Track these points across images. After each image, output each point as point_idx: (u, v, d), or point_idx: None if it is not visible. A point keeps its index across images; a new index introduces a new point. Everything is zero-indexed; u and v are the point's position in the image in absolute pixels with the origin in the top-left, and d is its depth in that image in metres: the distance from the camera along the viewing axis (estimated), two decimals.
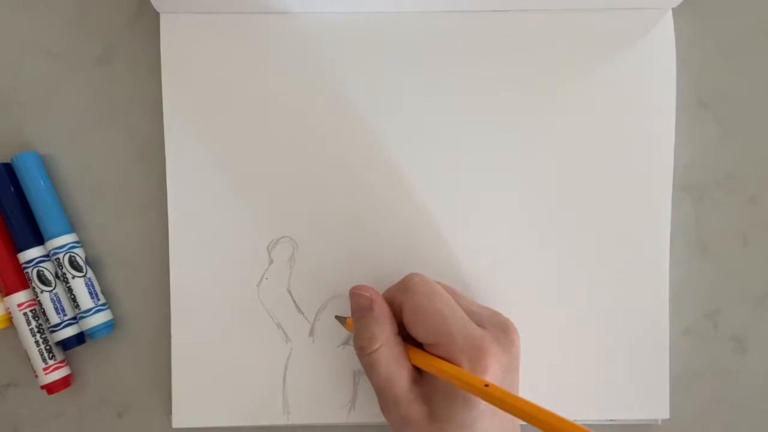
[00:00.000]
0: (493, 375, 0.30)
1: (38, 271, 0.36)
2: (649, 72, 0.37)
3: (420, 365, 0.32)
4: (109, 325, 0.37)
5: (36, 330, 0.36)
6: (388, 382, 0.32)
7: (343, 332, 0.36)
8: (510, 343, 0.31)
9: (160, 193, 0.37)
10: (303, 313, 0.37)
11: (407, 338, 0.33)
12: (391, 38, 0.37)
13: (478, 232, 0.37)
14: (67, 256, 0.36)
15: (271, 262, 0.37)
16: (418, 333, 0.32)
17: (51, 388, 0.36)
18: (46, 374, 0.36)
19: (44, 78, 0.38)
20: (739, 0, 0.38)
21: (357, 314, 0.33)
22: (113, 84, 0.38)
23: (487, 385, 0.28)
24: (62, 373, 0.36)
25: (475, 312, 0.32)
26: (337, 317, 0.36)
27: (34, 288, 0.36)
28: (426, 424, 0.31)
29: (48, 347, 0.36)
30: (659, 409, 0.37)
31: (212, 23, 0.37)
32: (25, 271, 0.36)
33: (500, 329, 0.32)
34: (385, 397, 0.32)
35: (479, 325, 0.31)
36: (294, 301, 0.37)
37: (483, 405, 0.30)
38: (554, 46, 0.37)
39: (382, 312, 0.32)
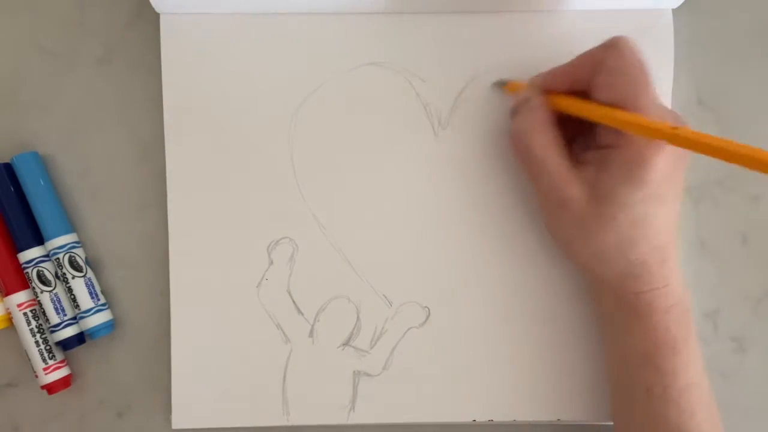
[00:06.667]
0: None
1: (38, 271, 0.36)
2: None
3: (596, 118, 0.31)
4: (109, 325, 0.37)
5: (36, 330, 0.36)
6: (543, 165, 0.32)
7: (344, 333, 0.37)
8: None
9: (160, 193, 0.37)
10: (303, 314, 0.37)
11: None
12: (390, 38, 0.37)
13: (476, 232, 0.37)
14: (67, 256, 0.36)
15: (271, 263, 0.37)
16: (610, 95, 0.30)
17: (51, 388, 0.36)
18: (46, 374, 0.36)
19: (44, 78, 0.38)
20: (739, 0, 0.38)
21: (516, 106, 0.34)
22: (113, 84, 0.38)
23: (675, 128, 0.27)
24: (62, 373, 0.36)
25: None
26: (495, 83, 0.36)
27: (34, 288, 0.36)
28: (585, 204, 0.31)
29: (48, 347, 0.36)
30: None
31: (212, 23, 0.37)
32: (25, 271, 0.36)
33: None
34: (540, 183, 0.32)
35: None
36: (294, 301, 0.37)
37: (651, 187, 0.29)
38: (554, 46, 0.37)
39: (539, 101, 0.33)
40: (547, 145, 0.32)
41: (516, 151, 0.33)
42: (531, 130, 0.32)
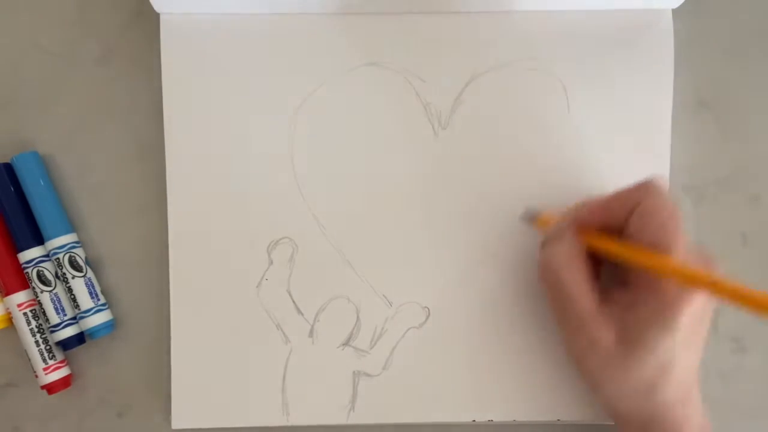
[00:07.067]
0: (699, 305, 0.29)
1: (38, 271, 0.36)
2: (647, 73, 0.37)
3: (632, 261, 0.30)
4: (109, 325, 0.37)
5: (36, 330, 0.36)
6: (573, 303, 0.31)
7: (343, 333, 0.37)
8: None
9: (160, 193, 0.37)
10: (303, 314, 0.37)
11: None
12: (390, 38, 0.37)
13: (476, 232, 0.37)
14: (67, 256, 0.36)
15: (270, 263, 0.37)
16: (643, 237, 0.30)
17: (51, 388, 0.36)
18: (46, 374, 0.36)
19: (44, 78, 0.38)
20: (739, 0, 0.38)
21: (547, 238, 0.33)
22: (113, 84, 0.38)
23: (713, 279, 0.26)
24: (62, 373, 0.36)
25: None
26: (522, 215, 0.36)
27: (34, 288, 0.36)
28: (613, 345, 0.30)
29: (48, 347, 0.36)
30: None
31: (212, 23, 0.37)
32: (25, 271, 0.36)
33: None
34: (568, 320, 0.31)
35: None
36: (294, 301, 0.37)
37: (681, 333, 0.29)
38: (554, 46, 0.37)
39: (571, 237, 0.31)
40: (577, 281, 0.31)
41: (545, 284, 0.33)
42: (562, 266, 0.31)
